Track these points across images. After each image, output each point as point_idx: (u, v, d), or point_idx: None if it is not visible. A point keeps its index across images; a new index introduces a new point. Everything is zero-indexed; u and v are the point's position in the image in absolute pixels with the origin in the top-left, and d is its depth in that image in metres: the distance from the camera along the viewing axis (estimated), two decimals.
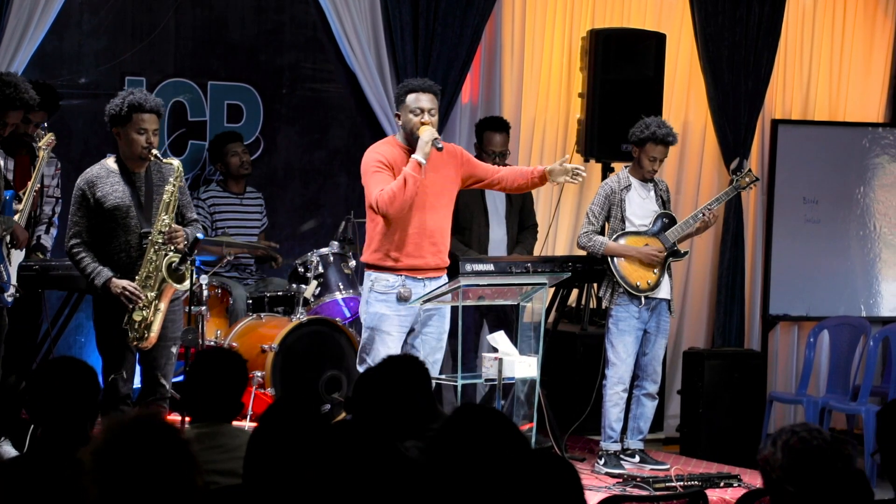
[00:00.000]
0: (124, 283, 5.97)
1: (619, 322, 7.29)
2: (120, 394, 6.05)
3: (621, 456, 7.41)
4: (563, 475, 2.96)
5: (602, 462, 7.31)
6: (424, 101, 6.32)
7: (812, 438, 3.04)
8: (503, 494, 2.96)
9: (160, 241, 6.02)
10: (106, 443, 2.69)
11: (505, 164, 7.85)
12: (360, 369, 6.35)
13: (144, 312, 5.99)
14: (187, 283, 6.10)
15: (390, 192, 6.16)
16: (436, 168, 6.31)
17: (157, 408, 5.99)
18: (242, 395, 4.49)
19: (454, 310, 6.47)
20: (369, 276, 6.40)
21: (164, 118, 8.33)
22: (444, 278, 6.47)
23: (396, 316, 6.33)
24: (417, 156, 6.21)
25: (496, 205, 8.00)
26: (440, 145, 6.24)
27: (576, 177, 6.50)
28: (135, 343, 6.02)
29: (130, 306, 5.97)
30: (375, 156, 6.33)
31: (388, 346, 6.31)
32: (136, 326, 6.00)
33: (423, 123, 6.27)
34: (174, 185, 6.09)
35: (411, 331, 6.42)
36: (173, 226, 6.04)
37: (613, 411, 7.32)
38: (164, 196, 6.08)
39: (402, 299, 6.32)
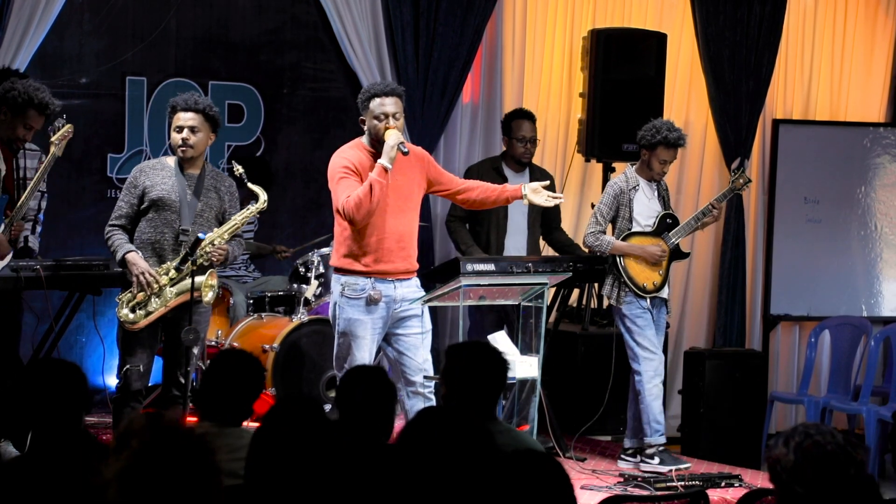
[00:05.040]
0: (146, 267, 6.13)
1: (636, 318, 7.30)
2: (132, 389, 6.18)
3: (623, 456, 7.40)
4: (551, 475, 2.94)
5: (657, 461, 7.23)
6: (389, 105, 6.24)
7: (826, 443, 3.02)
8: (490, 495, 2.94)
9: (207, 250, 6.15)
10: (134, 459, 2.66)
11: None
12: (339, 377, 6.32)
13: (154, 300, 6.12)
14: (210, 297, 6.21)
15: (357, 198, 6.11)
16: (403, 171, 6.25)
17: (176, 415, 6.00)
18: (255, 401, 4.48)
19: (433, 309, 6.40)
20: (338, 279, 6.33)
21: (164, 116, 8.40)
22: (416, 279, 6.43)
23: (370, 319, 6.26)
24: (383, 161, 6.14)
25: (518, 213, 7.95)
26: (405, 149, 6.18)
27: (549, 200, 6.55)
28: (124, 320, 6.14)
29: (138, 289, 6.11)
30: (342, 161, 6.27)
31: (363, 350, 6.24)
32: (134, 304, 6.11)
33: (387, 128, 6.21)
34: (249, 212, 6.29)
35: (387, 335, 6.35)
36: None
37: (655, 405, 7.28)
38: (237, 219, 6.24)
39: (373, 302, 6.26)
